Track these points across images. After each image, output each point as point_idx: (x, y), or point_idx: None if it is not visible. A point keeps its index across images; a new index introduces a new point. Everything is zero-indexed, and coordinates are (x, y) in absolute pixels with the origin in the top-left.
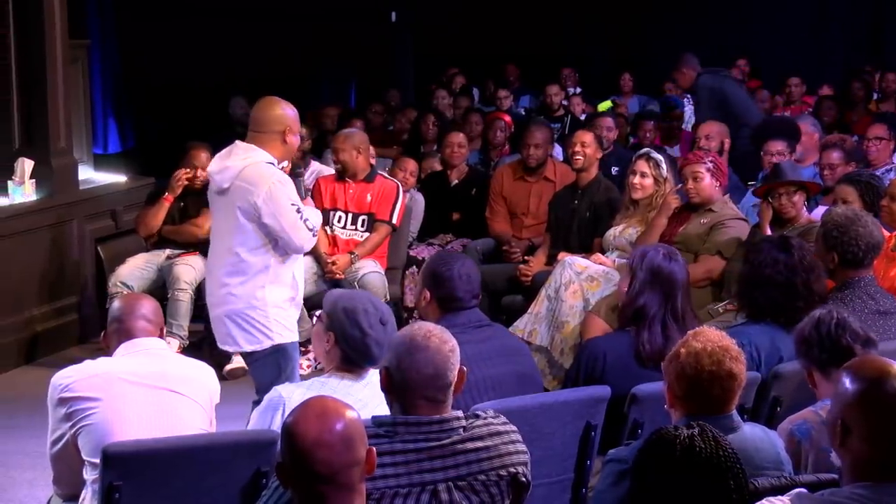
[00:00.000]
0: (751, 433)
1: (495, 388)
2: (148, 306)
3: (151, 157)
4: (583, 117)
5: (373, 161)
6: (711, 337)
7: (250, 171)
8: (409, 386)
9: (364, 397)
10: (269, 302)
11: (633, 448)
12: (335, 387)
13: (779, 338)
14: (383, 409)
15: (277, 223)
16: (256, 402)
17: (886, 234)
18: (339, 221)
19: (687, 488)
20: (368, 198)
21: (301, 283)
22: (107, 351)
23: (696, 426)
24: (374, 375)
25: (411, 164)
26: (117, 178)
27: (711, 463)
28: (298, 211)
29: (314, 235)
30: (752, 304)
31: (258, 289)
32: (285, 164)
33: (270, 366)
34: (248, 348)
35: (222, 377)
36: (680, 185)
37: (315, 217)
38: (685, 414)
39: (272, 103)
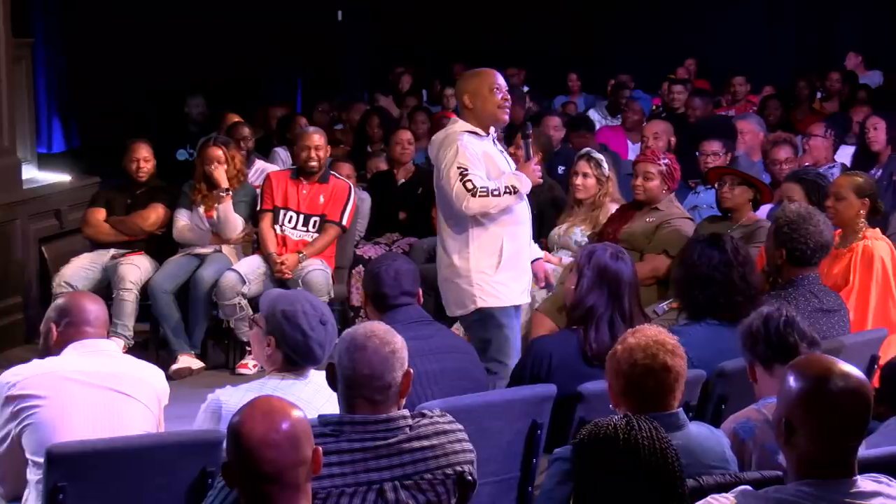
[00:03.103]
0: (696, 431)
1: (438, 382)
2: (94, 311)
3: (96, 156)
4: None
5: None
6: (648, 332)
7: (437, 140)
8: (348, 384)
9: (307, 396)
10: (471, 268)
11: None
12: (275, 387)
13: (720, 336)
14: (327, 408)
15: (442, 184)
16: (488, 370)
17: None
18: (289, 221)
19: (622, 463)
20: (321, 199)
21: (523, 246)
22: (49, 346)
23: (626, 416)
24: (316, 375)
25: (346, 168)
26: (62, 177)
27: (642, 442)
28: (463, 173)
29: (485, 196)
30: (693, 303)
31: (460, 256)
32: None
33: (479, 330)
34: (457, 312)
35: (168, 377)
36: None
37: (497, 183)
38: (627, 411)
39: (458, 79)
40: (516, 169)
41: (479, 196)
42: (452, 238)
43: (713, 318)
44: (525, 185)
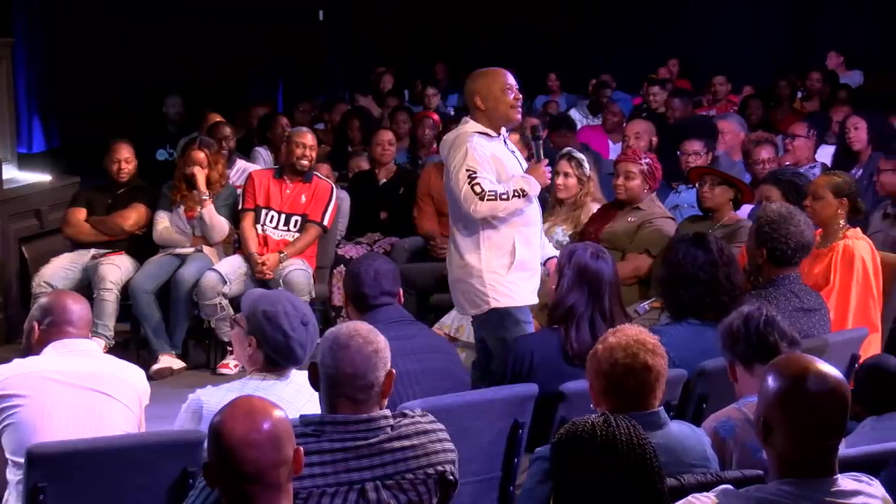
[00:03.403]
0: (677, 430)
1: (419, 381)
2: (77, 311)
3: (77, 156)
4: None
5: None
6: (628, 332)
7: (448, 140)
8: (330, 383)
9: (288, 396)
10: (483, 269)
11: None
12: (256, 388)
13: (702, 335)
14: (308, 408)
15: (451, 186)
16: (477, 363)
17: None
18: (271, 221)
19: (600, 460)
20: (303, 199)
21: (534, 247)
22: (31, 345)
23: (603, 414)
24: (298, 375)
25: (324, 168)
26: (42, 177)
27: (620, 439)
28: (472, 176)
29: (493, 199)
30: (677, 303)
31: (472, 256)
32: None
33: (495, 329)
34: (472, 312)
35: (149, 377)
36: None
37: (506, 186)
38: (608, 410)
39: (467, 79)
40: (525, 170)
41: (488, 200)
42: (463, 238)
43: (696, 317)
44: (534, 187)
